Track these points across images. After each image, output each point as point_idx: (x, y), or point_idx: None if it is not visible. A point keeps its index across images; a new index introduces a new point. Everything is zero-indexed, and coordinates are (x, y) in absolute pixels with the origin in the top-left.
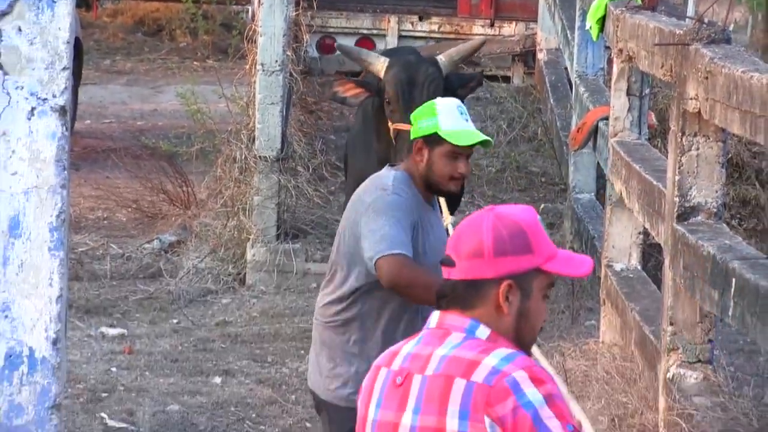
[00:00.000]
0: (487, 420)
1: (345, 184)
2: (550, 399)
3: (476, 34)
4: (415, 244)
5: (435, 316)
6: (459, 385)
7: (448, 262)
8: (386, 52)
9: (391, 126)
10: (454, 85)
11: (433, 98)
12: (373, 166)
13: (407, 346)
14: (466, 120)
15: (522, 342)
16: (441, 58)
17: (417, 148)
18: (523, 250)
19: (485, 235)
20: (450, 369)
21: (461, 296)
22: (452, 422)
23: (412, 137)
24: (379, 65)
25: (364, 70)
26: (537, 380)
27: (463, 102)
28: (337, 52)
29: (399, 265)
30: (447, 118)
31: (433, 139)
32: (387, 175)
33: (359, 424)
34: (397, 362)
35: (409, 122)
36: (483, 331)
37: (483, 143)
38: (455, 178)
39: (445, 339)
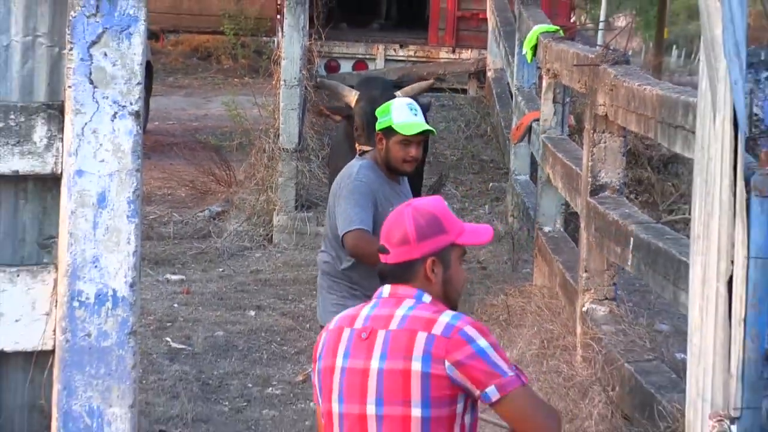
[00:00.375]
0: (446, 363)
1: (329, 179)
2: (495, 346)
3: (442, 58)
4: (377, 216)
5: (387, 289)
6: (421, 336)
7: (384, 250)
8: (360, 82)
9: (358, 147)
10: None
11: None
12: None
13: (364, 310)
14: (415, 114)
15: (450, 301)
16: (398, 94)
17: (378, 139)
18: (438, 232)
19: (408, 226)
20: (412, 324)
21: (398, 275)
22: (416, 364)
23: (376, 130)
24: (351, 97)
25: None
26: (483, 332)
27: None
28: (340, 70)
29: (356, 239)
30: (399, 113)
31: (389, 131)
32: (354, 164)
33: (325, 374)
34: (359, 322)
35: (372, 145)
36: (427, 298)
37: (426, 132)
38: (407, 160)
39: (400, 304)
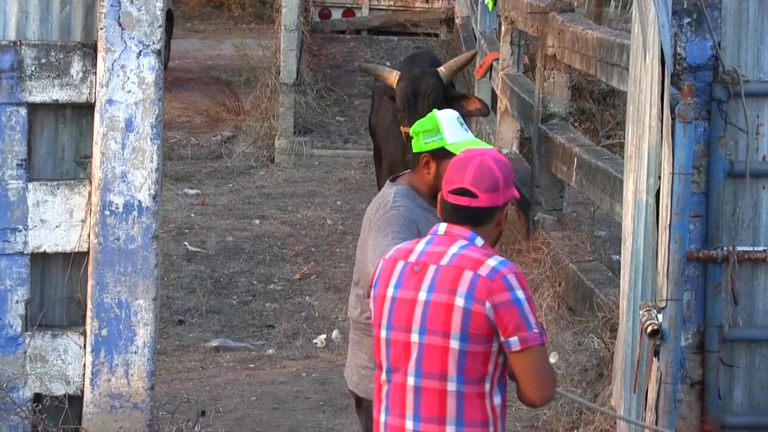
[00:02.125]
0: (487, 303)
1: (377, 169)
2: (529, 300)
3: (417, 8)
4: None
5: (443, 226)
6: (468, 275)
7: (471, 194)
8: (405, 60)
9: (402, 129)
10: (454, 93)
11: (434, 106)
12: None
13: (419, 245)
14: (466, 130)
15: (495, 242)
16: (441, 70)
17: (424, 162)
18: (511, 182)
19: (498, 174)
20: (461, 262)
21: (477, 217)
22: (460, 300)
23: (416, 151)
24: (392, 78)
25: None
26: (522, 284)
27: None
28: (332, 17)
29: None
30: (451, 131)
31: (440, 153)
32: (388, 192)
33: (377, 302)
34: (413, 256)
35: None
36: (479, 241)
37: None
38: None
39: (453, 242)
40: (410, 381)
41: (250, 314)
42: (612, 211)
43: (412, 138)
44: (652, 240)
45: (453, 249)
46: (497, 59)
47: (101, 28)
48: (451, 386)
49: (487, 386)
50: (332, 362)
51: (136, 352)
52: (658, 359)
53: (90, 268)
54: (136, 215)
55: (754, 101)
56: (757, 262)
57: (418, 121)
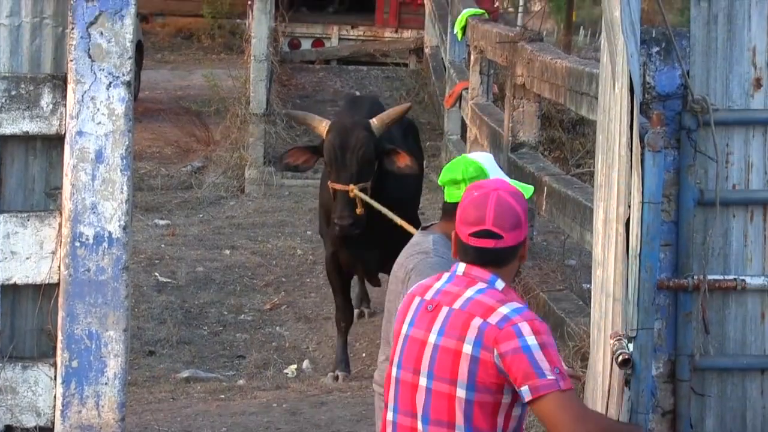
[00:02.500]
0: (495, 352)
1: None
2: (544, 346)
3: (387, 37)
4: None
5: (461, 267)
6: (477, 322)
7: (496, 236)
8: (348, 101)
9: (329, 185)
10: (385, 147)
11: (360, 161)
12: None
13: (438, 283)
14: (503, 172)
15: (515, 274)
16: (374, 122)
17: None
18: (528, 215)
19: (518, 210)
20: (473, 309)
21: (502, 257)
22: (468, 347)
23: (453, 200)
24: (321, 128)
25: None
26: (537, 330)
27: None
28: (302, 47)
29: None
30: (495, 175)
31: None
32: (425, 240)
33: (394, 337)
34: (429, 294)
35: (342, 183)
36: (500, 284)
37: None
38: None
39: (471, 285)
40: (419, 426)
41: (221, 345)
42: (582, 239)
43: (446, 186)
44: (622, 269)
45: (469, 292)
46: (466, 88)
47: (71, 60)
48: None
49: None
50: (303, 392)
51: (106, 384)
52: (629, 388)
53: (60, 300)
54: (107, 246)
55: (723, 130)
56: (727, 290)
57: (452, 168)
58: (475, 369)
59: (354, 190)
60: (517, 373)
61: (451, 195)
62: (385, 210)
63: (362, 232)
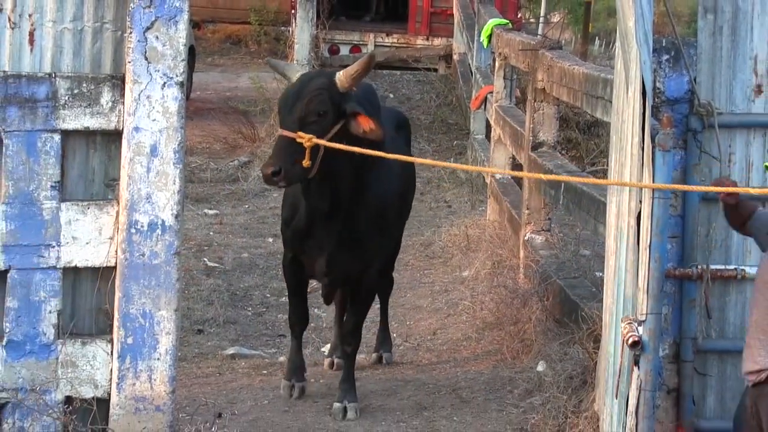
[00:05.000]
0: None
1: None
2: None
3: (418, 45)
4: None
5: None
6: None
7: None
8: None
9: (279, 133)
10: (351, 107)
11: (306, 110)
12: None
13: None
14: None
15: None
16: (339, 74)
17: None
18: None
19: None
20: None
21: None
22: None
23: None
24: (294, 77)
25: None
26: None
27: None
28: (340, 53)
29: None
30: None
31: None
32: None
33: None
34: None
35: (290, 129)
36: None
37: None
38: None
39: None
40: None
41: (264, 324)
42: (596, 232)
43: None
44: (633, 258)
45: None
46: (491, 92)
47: (129, 62)
48: None
49: None
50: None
51: (158, 359)
52: (638, 368)
53: (117, 282)
54: (160, 233)
55: (726, 132)
56: (728, 279)
57: None
58: None
59: (312, 139)
60: None
61: None
62: (348, 147)
63: (321, 229)
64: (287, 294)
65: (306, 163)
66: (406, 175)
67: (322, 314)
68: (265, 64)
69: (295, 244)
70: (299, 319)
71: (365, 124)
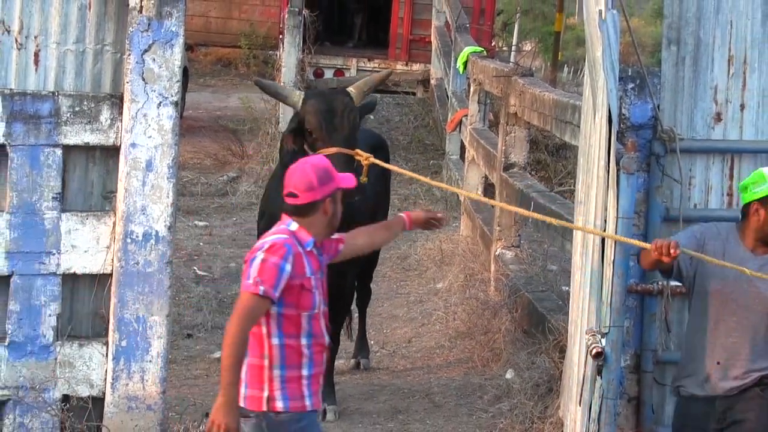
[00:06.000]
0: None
1: (259, 222)
2: (266, 261)
3: (398, 69)
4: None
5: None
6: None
7: (293, 195)
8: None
9: (320, 151)
10: (362, 113)
11: (352, 126)
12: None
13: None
14: None
15: (334, 227)
16: (351, 89)
17: (754, 210)
18: (329, 180)
19: (311, 176)
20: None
21: (302, 211)
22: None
23: (744, 202)
24: (295, 98)
25: (281, 103)
26: (270, 250)
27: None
28: (325, 76)
29: None
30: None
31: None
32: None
33: None
34: None
35: (337, 144)
36: (294, 225)
37: None
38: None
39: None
40: None
41: None
42: (563, 248)
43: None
44: (598, 274)
45: (273, 229)
46: (466, 115)
47: (127, 82)
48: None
49: (263, 329)
50: None
51: (150, 361)
52: (601, 377)
53: (113, 288)
54: (154, 243)
55: (687, 156)
56: (687, 295)
57: (747, 178)
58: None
59: (370, 158)
60: (243, 274)
61: (743, 198)
62: (402, 170)
63: None
64: None
65: (363, 179)
66: (379, 192)
67: None
68: (253, 85)
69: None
70: None
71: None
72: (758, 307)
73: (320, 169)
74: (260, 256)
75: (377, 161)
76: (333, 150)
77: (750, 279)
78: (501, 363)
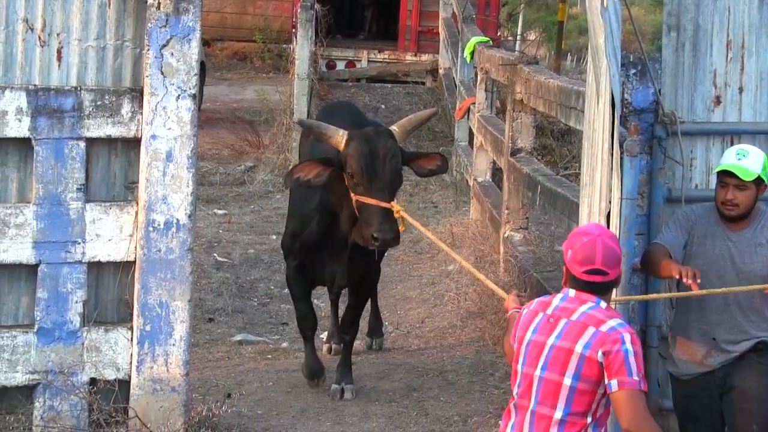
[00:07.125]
0: (599, 351)
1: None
2: (637, 354)
3: (407, 60)
4: (690, 247)
5: (572, 291)
6: (590, 330)
7: (603, 273)
8: (326, 108)
9: (354, 198)
10: (408, 154)
11: (395, 171)
12: (324, 227)
13: (555, 300)
14: (738, 160)
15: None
16: (395, 129)
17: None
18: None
19: (618, 252)
20: (587, 320)
21: (608, 288)
22: (579, 347)
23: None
24: (338, 138)
25: (324, 143)
26: (634, 341)
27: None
28: (337, 68)
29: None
30: (724, 158)
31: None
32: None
33: (518, 344)
34: (549, 309)
35: (377, 195)
36: (603, 304)
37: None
38: (723, 203)
39: (583, 303)
40: (531, 406)
41: (268, 314)
42: (569, 230)
43: None
44: None
45: (583, 308)
46: (474, 103)
47: (147, 76)
48: (558, 414)
49: (589, 419)
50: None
51: (174, 345)
52: None
53: (136, 275)
54: (175, 231)
55: (688, 139)
56: None
57: None
58: (582, 364)
59: (400, 211)
60: (613, 368)
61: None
62: (431, 236)
63: (335, 243)
64: (293, 302)
65: (402, 228)
66: None
67: (321, 304)
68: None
69: (305, 255)
70: (309, 323)
71: (432, 162)
72: (743, 282)
73: (618, 242)
74: (631, 347)
75: (408, 217)
76: (372, 201)
77: (732, 257)
78: None
